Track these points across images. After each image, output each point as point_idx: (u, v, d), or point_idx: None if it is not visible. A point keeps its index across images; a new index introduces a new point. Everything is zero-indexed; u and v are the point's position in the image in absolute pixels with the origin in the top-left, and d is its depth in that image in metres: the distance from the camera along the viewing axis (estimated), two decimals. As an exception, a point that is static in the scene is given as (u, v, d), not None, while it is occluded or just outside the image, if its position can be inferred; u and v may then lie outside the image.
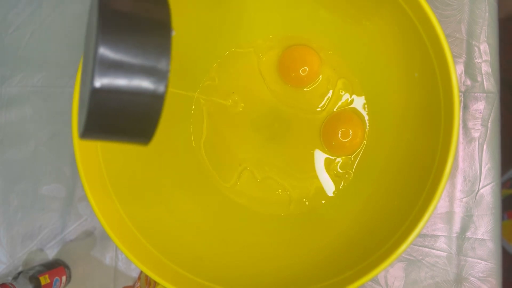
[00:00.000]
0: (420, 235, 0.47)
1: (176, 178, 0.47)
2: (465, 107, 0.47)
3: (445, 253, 0.47)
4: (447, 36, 0.46)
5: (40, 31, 0.54)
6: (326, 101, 0.47)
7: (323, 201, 0.46)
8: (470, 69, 0.47)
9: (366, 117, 0.46)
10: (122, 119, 0.24)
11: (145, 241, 0.40)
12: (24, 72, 0.54)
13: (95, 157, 0.40)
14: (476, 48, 0.47)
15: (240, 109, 0.48)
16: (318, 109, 0.47)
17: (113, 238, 0.38)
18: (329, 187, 0.46)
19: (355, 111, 0.46)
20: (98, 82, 0.22)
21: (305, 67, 0.46)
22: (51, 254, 0.53)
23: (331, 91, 0.47)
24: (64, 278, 0.50)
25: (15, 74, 0.54)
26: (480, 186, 0.47)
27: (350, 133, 0.45)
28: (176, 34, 0.44)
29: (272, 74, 0.48)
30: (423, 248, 0.47)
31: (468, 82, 0.47)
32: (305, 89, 0.47)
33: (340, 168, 0.47)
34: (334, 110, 0.47)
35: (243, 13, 0.46)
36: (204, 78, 0.49)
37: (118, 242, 0.38)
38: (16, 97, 0.54)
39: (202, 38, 0.46)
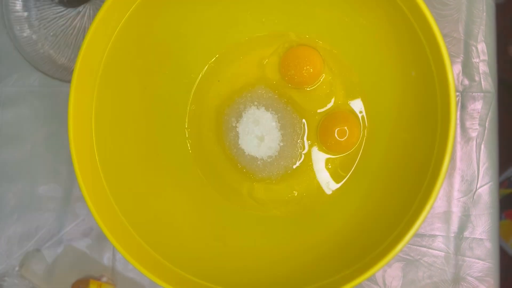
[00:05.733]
0: (418, 235, 0.47)
1: (174, 179, 0.47)
2: (463, 107, 0.47)
3: (443, 253, 0.47)
4: (445, 35, 0.46)
5: (37, 31, 0.54)
6: (325, 101, 0.47)
7: (320, 200, 0.46)
8: (467, 69, 0.48)
9: (363, 116, 0.46)
10: None
11: (142, 241, 0.40)
12: (21, 71, 0.54)
13: (92, 157, 0.40)
14: (473, 48, 0.47)
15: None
16: (318, 109, 0.47)
17: (110, 239, 0.38)
18: (327, 186, 0.46)
19: (351, 109, 0.46)
20: None
21: (309, 67, 0.46)
22: (48, 254, 0.53)
23: (330, 90, 0.47)
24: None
25: (11, 74, 0.54)
26: (478, 186, 0.47)
27: (347, 131, 0.45)
28: (173, 31, 0.44)
29: (273, 73, 0.48)
30: (421, 248, 0.47)
31: (466, 82, 0.48)
32: (307, 89, 0.47)
33: (337, 167, 0.47)
34: (331, 109, 0.47)
35: (239, 10, 0.46)
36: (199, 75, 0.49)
37: (115, 242, 0.38)
38: (13, 97, 0.54)
39: (198, 37, 0.46)
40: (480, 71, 0.47)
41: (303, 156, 0.47)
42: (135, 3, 0.40)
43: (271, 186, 0.47)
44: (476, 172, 0.47)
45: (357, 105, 0.46)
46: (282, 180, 0.47)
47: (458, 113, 0.47)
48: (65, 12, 0.52)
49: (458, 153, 0.47)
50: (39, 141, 0.54)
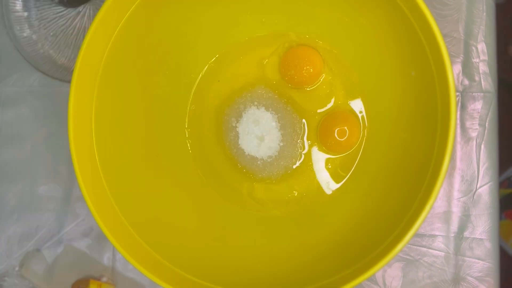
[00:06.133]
0: (418, 235, 0.47)
1: (174, 179, 0.47)
2: (463, 107, 0.47)
3: (443, 253, 0.47)
4: (445, 35, 0.46)
5: (37, 31, 0.54)
6: (325, 101, 0.47)
7: (320, 200, 0.46)
8: (467, 69, 0.48)
9: (363, 116, 0.46)
10: None
11: (142, 241, 0.40)
12: (21, 71, 0.54)
13: (92, 157, 0.40)
14: (473, 48, 0.47)
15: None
16: (318, 109, 0.47)
17: (110, 239, 0.38)
18: (327, 186, 0.47)
19: (351, 109, 0.46)
20: None
21: (309, 67, 0.46)
22: (47, 254, 0.53)
23: (330, 90, 0.47)
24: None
25: (11, 74, 0.54)
26: (478, 186, 0.47)
27: (347, 131, 0.45)
28: (173, 31, 0.44)
29: (273, 73, 0.48)
30: (421, 248, 0.47)
31: (466, 82, 0.48)
32: (307, 89, 0.47)
33: (337, 167, 0.47)
34: (331, 109, 0.47)
35: (239, 10, 0.46)
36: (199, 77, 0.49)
37: (115, 242, 0.38)
38: (13, 97, 0.54)
39: (198, 37, 0.47)
40: (480, 71, 0.47)
41: (303, 156, 0.47)
42: (135, 3, 0.40)
43: (271, 186, 0.47)
44: (476, 172, 0.47)
45: (357, 105, 0.46)
46: (282, 180, 0.47)
47: (458, 113, 0.47)
48: (65, 12, 0.52)
49: (458, 153, 0.47)
50: (39, 141, 0.54)
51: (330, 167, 0.47)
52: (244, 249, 0.45)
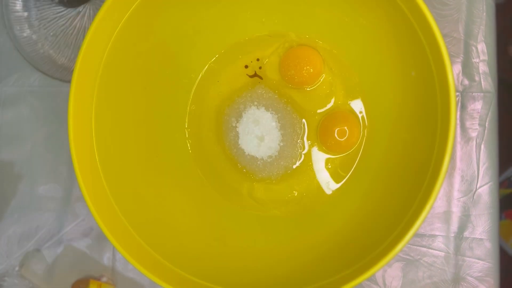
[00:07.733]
0: (418, 235, 0.47)
1: (174, 179, 0.47)
2: (463, 107, 0.47)
3: (443, 253, 0.47)
4: (445, 35, 0.46)
5: (37, 31, 0.54)
6: (325, 101, 0.47)
7: (320, 200, 0.46)
8: (467, 69, 0.48)
9: (363, 116, 0.46)
10: None
11: (142, 241, 0.40)
12: (21, 71, 0.54)
13: (92, 157, 0.40)
14: (473, 48, 0.47)
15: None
16: (318, 109, 0.47)
17: (110, 239, 0.38)
18: (327, 186, 0.47)
19: (351, 109, 0.46)
20: None
21: (309, 67, 0.46)
22: (47, 254, 0.53)
23: (330, 90, 0.47)
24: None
25: (11, 74, 0.54)
26: (478, 186, 0.47)
27: (347, 131, 0.45)
28: (173, 31, 0.44)
29: (273, 74, 0.48)
30: (421, 247, 0.47)
31: (466, 82, 0.48)
32: (307, 89, 0.47)
33: (337, 167, 0.47)
34: (331, 109, 0.47)
35: (239, 10, 0.46)
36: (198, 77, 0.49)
37: (115, 242, 0.38)
38: (13, 97, 0.54)
39: (198, 37, 0.47)
40: (480, 71, 0.47)
41: (303, 156, 0.47)
42: (135, 3, 0.40)
43: (271, 186, 0.48)
44: (476, 172, 0.47)
45: (357, 105, 0.46)
46: (282, 180, 0.47)
47: (458, 113, 0.47)
48: (65, 12, 0.52)
49: (458, 153, 0.47)
50: (39, 141, 0.54)
51: (330, 167, 0.47)
52: (244, 249, 0.45)
